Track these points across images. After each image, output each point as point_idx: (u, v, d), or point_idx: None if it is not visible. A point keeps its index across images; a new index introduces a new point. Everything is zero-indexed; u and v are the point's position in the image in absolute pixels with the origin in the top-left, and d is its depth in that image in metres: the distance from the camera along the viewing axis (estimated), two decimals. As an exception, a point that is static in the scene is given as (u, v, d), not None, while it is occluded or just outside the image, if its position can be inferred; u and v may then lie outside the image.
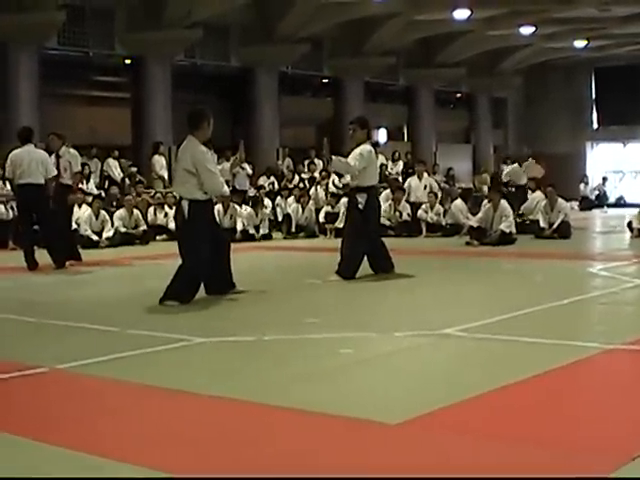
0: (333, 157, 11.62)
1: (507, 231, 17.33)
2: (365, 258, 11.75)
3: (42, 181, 13.73)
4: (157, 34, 24.74)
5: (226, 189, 10.58)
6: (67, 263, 13.97)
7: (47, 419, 5.23)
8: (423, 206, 20.62)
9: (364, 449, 4.50)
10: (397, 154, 29.93)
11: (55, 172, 13.99)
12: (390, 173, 27.96)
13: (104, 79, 27.18)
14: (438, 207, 20.72)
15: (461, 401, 5.29)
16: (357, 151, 11.63)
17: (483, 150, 37.43)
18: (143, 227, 19.44)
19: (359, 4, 26.96)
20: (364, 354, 6.87)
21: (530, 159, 23.89)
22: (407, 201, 21.05)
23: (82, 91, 26.78)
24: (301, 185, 24.51)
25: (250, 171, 24.93)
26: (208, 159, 9.90)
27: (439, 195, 21.73)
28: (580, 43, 33.69)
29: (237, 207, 19.99)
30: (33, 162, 13.70)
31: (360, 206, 11.57)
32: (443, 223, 20.43)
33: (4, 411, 5.46)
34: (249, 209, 20.33)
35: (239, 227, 19.53)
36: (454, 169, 32.55)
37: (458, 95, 37.69)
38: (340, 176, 20.73)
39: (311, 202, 21.90)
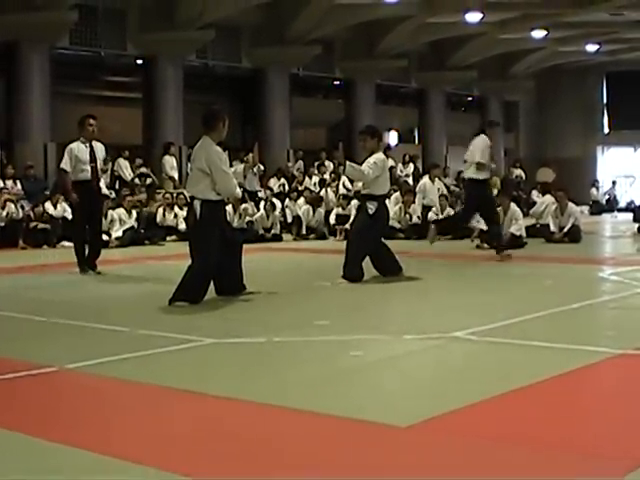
0: (347, 163, 11.62)
1: (517, 234, 17.31)
2: (370, 262, 11.77)
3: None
4: (169, 35, 24.81)
5: (238, 191, 10.61)
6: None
7: (57, 419, 5.24)
8: (433, 209, 20.60)
9: (374, 452, 4.50)
10: (407, 157, 29.96)
11: (61, 166, 13.43)
12: (400, 176, 27.97)
13: (115, 79, 27.23)
14: (448, 210, 20.68)
15: (470, 404, 5.28)
16: (371, 160, 11.65)
17: (494, 153, 37.27)
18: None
19: (371, 6, 26.99)
20: (374, 357, 6.86)
21: None
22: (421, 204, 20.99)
23: (93, 91, 26.84)
24: (312, 188, 24.45)
25: (257, 171, 24.83)
26: (222, 160, 9.92)
27: (449, 198, 21.75)
28: (592, 47, 33.65)
29: (249, 208, 20.03)
30: None
31: (370, 212, 11.60)
32: (454, 226, 20.40)
33: (15, 410, 5.46)
34: (261, 211, 20.36)
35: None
36: (465, 172, 32.59)
37: (469, 98, 37.67)
38: (351, 180, 20.76)
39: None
